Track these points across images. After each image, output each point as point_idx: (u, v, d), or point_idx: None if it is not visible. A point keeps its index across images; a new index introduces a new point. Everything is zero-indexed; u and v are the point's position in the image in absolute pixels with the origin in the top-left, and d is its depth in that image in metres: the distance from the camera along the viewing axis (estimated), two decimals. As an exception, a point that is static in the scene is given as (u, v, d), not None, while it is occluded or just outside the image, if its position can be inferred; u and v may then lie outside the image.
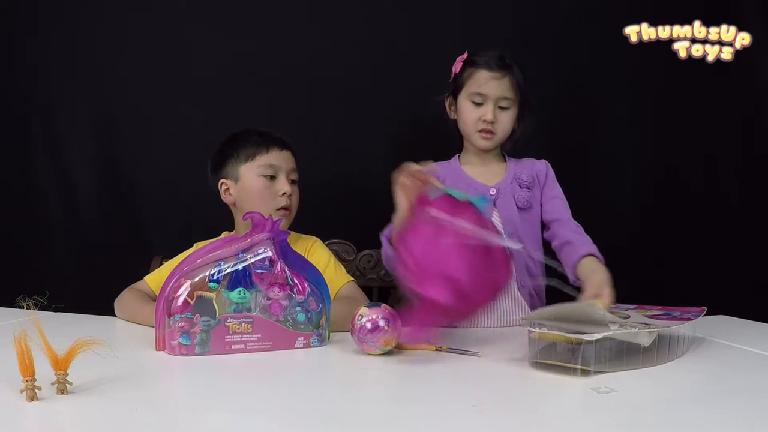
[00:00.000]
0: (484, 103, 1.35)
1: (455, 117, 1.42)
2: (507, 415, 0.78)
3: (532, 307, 1.37)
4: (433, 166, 1.16)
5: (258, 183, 1.37)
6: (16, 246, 1.79)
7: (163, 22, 1.76)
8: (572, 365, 0.91)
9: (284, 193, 1.37)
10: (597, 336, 0.90)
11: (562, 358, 0.93)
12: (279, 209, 1.37)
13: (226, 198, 1.42)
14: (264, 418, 0.76)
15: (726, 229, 1.80)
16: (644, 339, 0.95)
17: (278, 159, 1.38)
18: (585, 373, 0.91)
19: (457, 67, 1.40)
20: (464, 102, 1.37)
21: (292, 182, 1.40)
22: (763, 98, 1.79)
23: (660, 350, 0.98)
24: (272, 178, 1.37)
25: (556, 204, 1.38)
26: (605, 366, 0.92)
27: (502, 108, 1.35)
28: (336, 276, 1.37)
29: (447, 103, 1.43)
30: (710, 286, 1.62)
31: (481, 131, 1.36)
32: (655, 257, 1.80)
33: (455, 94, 1.40)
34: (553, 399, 0.86)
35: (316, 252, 1.42)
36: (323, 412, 0.79)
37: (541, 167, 1.42)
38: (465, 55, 1.40)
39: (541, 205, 1.39)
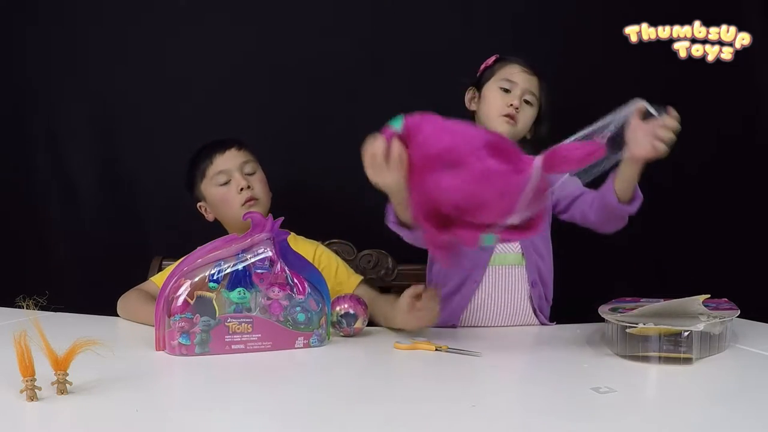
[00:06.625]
0: (512, 90, 1.37)
1: (475, 108, 1.42)
2: (507, 414, 0.78)
3: (540, 308, 1.37)
4: None
5: (217, 193, 1.41)
6: (16, 246, 1.79)
7: (164, 22, 1.76)
8: (674, 355, 0.97)
9: (241, 189, 1.38)
10: (700, 327, 0.97)
11: (665, 349, 0.98)
12: (245, 203, 1.38)
13: (208, 217, 1.46)
14: (264, 418, 0.76)
15: (726, 229, 1.80)
16: (717, 328, 1.01)
17: (223, 163, 1.41)
18: (687, 361, 0.96)
19: (489, 62, 1.42)
20: (492, 89, 1.39)
21: (249, 174, 1.42)
22: (763, 98, 1.79)
23: (719, 339, 1.04)
24: (227, 182, 1.40)
25: (568, 182, 1.38)
26: (704, 353, 1.00)
27: (526, 102, 1.38)
28: (348, 278, 1.42)
29: (469, 96, 1.44)
30: (710, 287, 1.61)
31: (506, 116, 1.36)
32: (655, 258, 1.80)
33: (480, 85, 1.41)
34: (553, 399, 0.86)
35: (323, 258, 1.45)
36: (323, 412, 0.79)
37: None
38: (497, 55, 1.43)
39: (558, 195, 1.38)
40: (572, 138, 1.04)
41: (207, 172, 1.41)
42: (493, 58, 1.43)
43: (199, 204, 1.47)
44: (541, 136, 1.41)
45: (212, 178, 1.41)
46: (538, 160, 0.96)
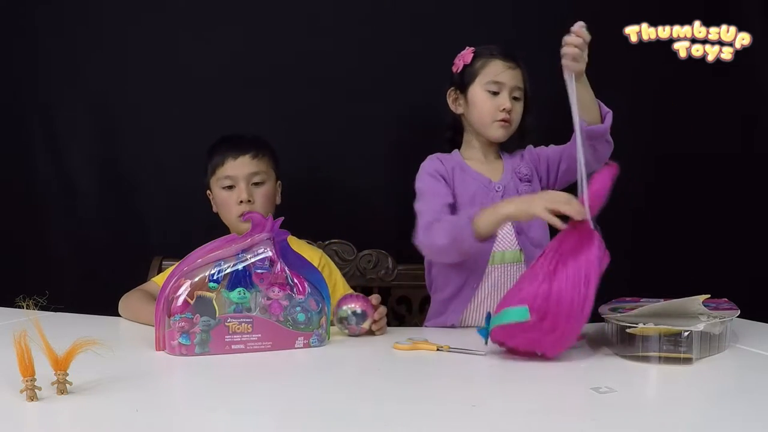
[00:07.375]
0: (500, 92, 1.33)
1: (461, 111, 1.39)
2: (507, 414, 0.78)
3: None
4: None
5: (221, 195, 1.43)
6: (16, 246, 1.79)
7: (163, 22, 1.76)
8: (674, 355, 0.97)
9: (242, 201, 1.39)
10: (700, 327, 0.98)
11: (665, 349, 0.98)
12: (240, 216, 1.39)
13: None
14: (264, 418, 0.76)
15: (726, 229, 1.80)
16: (717, 328, 1.01)
17: (233, 169, 1.41)
18: (687, 361, 0.96)
19: (467, 58, 1.37)
20: (479, 92, 1.34)
21: (254, 185, 1.42)
22: (763, 98, 1.79)
23: (719, 339, 1.04)
24: (232, 187, 1.41)
25: (550, 149, 1.41)
26: (704, 353, 1.00)
27: (514, 98, 1.35)
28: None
29: (452, 98, 1.40)
30: (710, 287, 1.61)
31: (500, 121, 1.34)
32: (654, 258, 1.80)
33: (463, 86, 1.37)
34: (554, 399, 0.86)
35: (325, 270, 1.45)
36: (323, 412, 0.79)
37: (531, 153, 1.42)
38: (472, 49, 1.37)
39: (548, 167, 1.40)
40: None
41: (217, 172, 1.43)
42: (470, 53, 1.37)
43: (208, 192, 1.49)
44: (528, 127, 1.40)
45: (220, 179, 1.42)
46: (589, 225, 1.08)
